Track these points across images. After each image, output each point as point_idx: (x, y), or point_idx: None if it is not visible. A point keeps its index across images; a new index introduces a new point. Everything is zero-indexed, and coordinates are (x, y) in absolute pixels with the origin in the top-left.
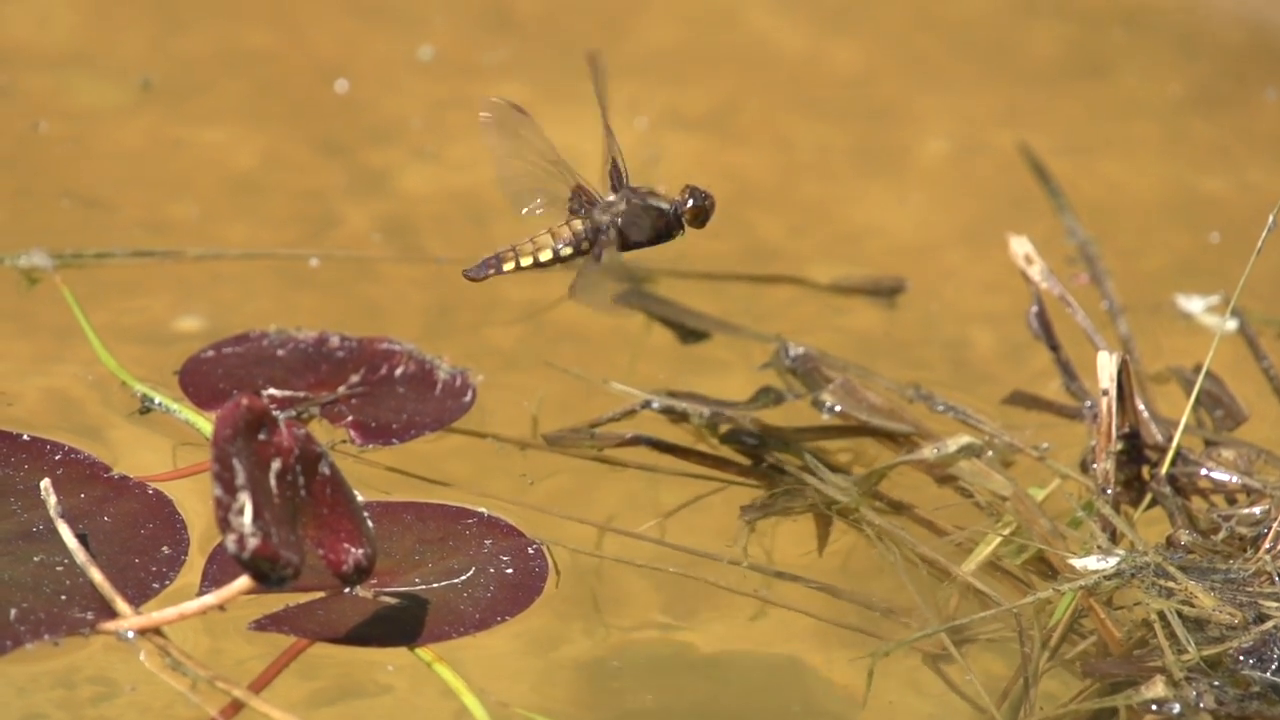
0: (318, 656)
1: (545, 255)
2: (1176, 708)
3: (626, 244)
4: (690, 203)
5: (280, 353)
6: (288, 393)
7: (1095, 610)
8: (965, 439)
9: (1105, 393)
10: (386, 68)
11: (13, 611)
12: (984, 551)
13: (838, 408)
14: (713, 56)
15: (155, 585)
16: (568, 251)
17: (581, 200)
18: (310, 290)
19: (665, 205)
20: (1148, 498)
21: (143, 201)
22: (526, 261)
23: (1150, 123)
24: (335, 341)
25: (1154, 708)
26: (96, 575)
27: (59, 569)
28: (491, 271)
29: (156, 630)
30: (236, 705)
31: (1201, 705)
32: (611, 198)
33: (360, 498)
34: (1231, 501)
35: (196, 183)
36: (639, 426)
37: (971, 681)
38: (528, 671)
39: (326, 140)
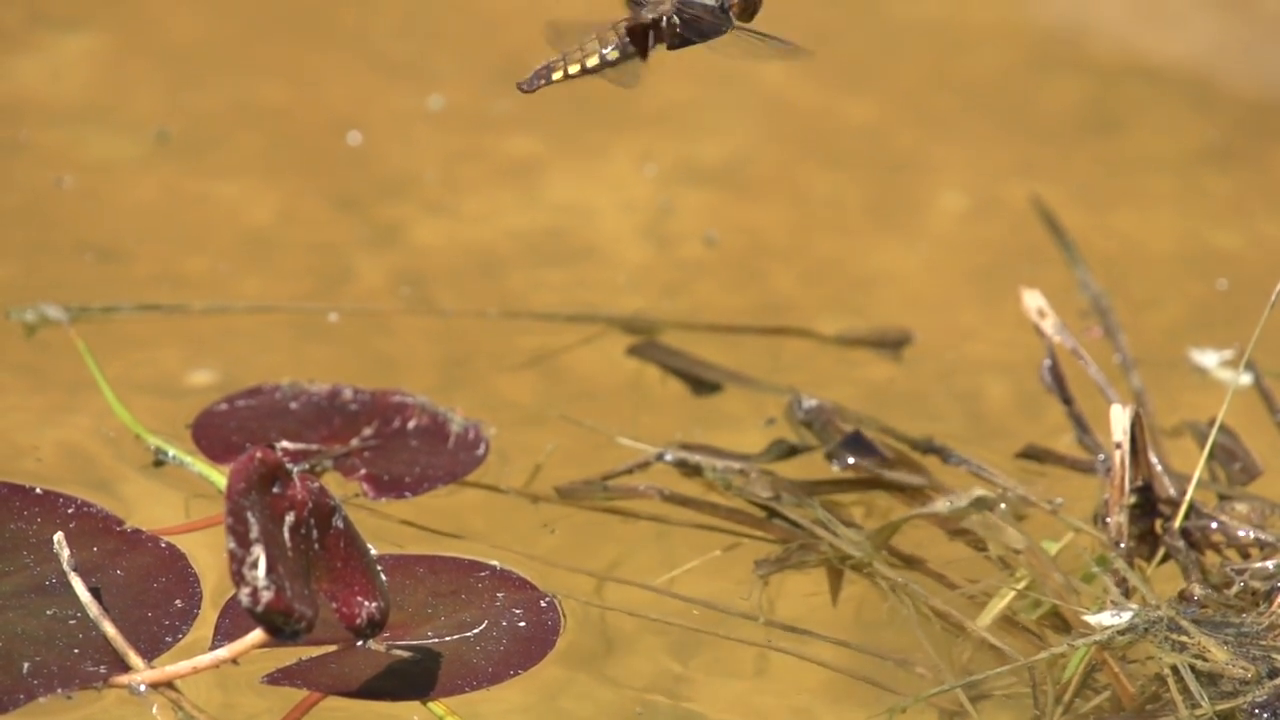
0: (330, 710)
1: (592, 61)
2: None
3: (676, 42)
4: None
5: (293, 406)
6: (301, 446)
7: (1109, 665)
8: (978, 492)
9: (1118, 446)
10: (399, 121)
11: (25, 665)
12: (998, 606)
13: (851, 461)
14: (725, 110)
15: (168, 639)
16: (614, 55)
17: (629, 9)
18: (323, 343)
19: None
20: (1161, 552)
21: (159, 255)
22: (574, 69)
23: (1165, 177)
24: (348, 394)
25: None
26: (109, 629)
27: (72, 622)
28: (542, 82)
29: (169, 684)
30: None
31: None
32: None
33: (373, 551)
34: (1245, 556)
35: (212, 236)
36: (651, 479)
37: None
38: None
39: (340, 194)
